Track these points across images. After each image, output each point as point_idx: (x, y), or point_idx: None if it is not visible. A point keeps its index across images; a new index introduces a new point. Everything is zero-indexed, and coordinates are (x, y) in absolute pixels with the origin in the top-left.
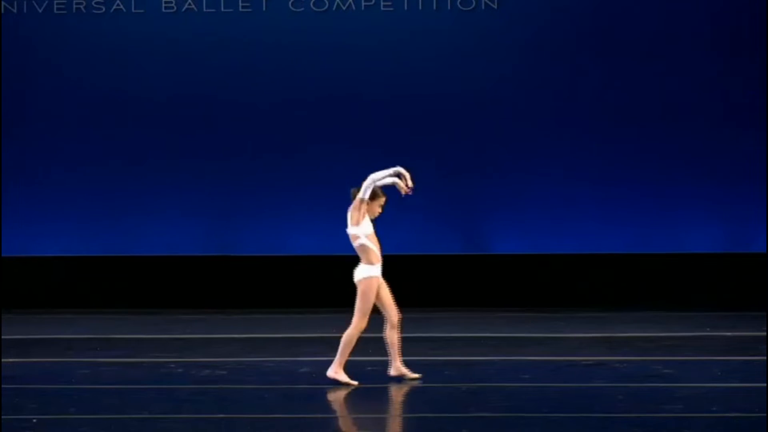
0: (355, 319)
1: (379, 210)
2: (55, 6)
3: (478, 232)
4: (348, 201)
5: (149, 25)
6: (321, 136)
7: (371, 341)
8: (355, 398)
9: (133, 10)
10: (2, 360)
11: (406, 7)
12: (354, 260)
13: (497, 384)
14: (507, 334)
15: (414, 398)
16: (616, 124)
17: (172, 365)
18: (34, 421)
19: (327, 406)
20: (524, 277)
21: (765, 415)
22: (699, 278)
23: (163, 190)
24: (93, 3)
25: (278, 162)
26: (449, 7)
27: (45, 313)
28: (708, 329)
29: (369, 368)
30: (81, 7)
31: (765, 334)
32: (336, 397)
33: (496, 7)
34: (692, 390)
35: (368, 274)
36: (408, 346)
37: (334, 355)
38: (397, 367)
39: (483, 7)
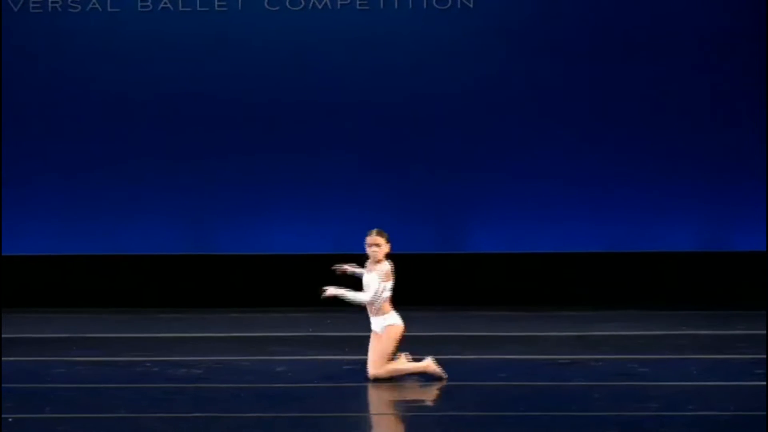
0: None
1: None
2: (31, 5)
3: (453, 230)
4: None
5: (125, 25)
6: (299, 135)
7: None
8: (331, 397)
9: (108, 9)
10: None
11: (382, 6)
12: (334, 260)
13: (473, 383)
14: (483, 332)
15: (389, 397)
16: (596, 123)
17: (149, 364)
18: (10, 420)
19: (303, 406)
20: (501, 275)
21: (741, 413)
22: (675, 277)
23: (141, 189)
24: (69, 2)
25: (257, 161)
26: (425, 6)
27: (21, 312)
28: (684, 328)
29: (345, 367)
30: (57, 6)
31: (752, 332)
32: (311, 396)
33: (472, 6)
34: (668, 389)
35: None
36: None
37: (311, 355)
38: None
39: (459, 6)
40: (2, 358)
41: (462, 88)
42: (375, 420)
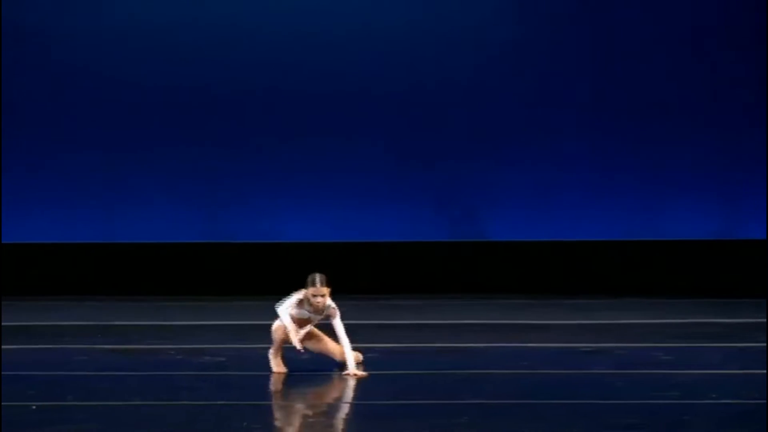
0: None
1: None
2: None
3: (473, 218)
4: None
5: (131, 9)
6: (310, 122)
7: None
8: (350, 385)
9: None
10: (1, 347)
11: None
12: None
13: (495, 371)
14: (504, 321)
15: (414, 385)
16: (613, 109)
17: (171, 352)
18: (33, 407)
19: (325, 393)
20: (521, 263)
21: (764, 401)
22: (699, 265)
23: (160, 177)
24: None
25: (270, 149)
26: None
27: (42, 300)
28: (707, 316)
29: (369, 355)
30: None
31: (764, 320)
32: (334, 383)
33: None
34: (691, 377)
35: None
36: (403, 333)
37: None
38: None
39: None
40: (25, 346)
41: (474, 75)
42: (389, 408)
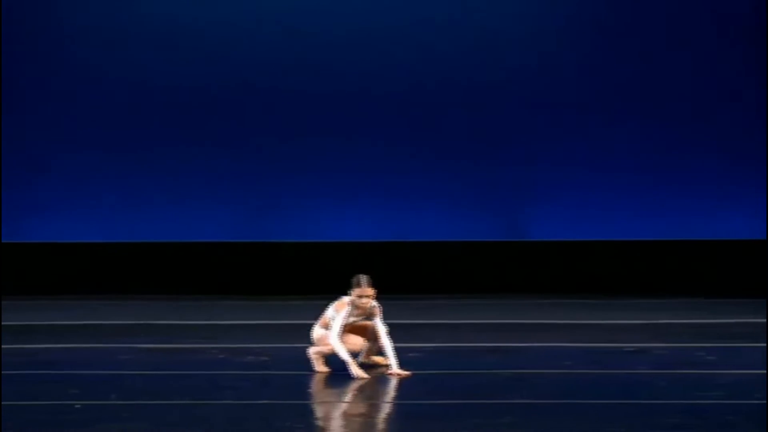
0: None
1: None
2: None
3: (516, 218)
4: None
5: (160, 7)
6: (348, 121)
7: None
8: (396, 384)
9: None
10: (44, 345)
11: None
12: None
13: (539, 370)
14: (548, 320)
15: (456, 384)
16: (657, 109)
17: (214, 351)
18: (77, 406)
19: (367, 392)
20: (563, 263)
21: None
22: (743, 264)
23: (198, 177)
24: None
25: (307, 147)
26: None
27: (87, 299)
28: (750, 315)
29: (411, 354)
30: None
31: None
32: (378, 383)
33: None
34: (735, 377)
35: None
36: (450, 332)
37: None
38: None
39: None
40: (70, 345)
41: (519, 72)
42: (437, 407)
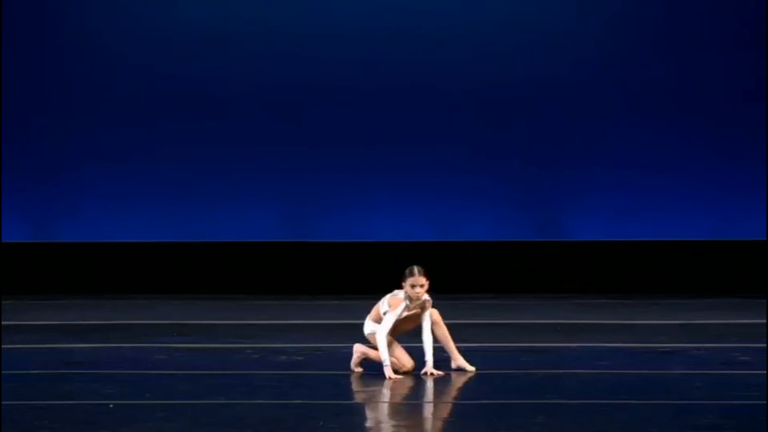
0: None
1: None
2: None
3: (552, 218)
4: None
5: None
6: (392, 122)
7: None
8: (431, 384)
9: None
10: (78, 345)
11: None
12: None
13: (574, 370)
14: (582, 320)
15: (491, 384)
16: (690, 109)
17: (248, 351)
18: (111, 406)
19: (401, 392)
20: (599, 263)
21: None
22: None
23: (238, 176)
24: None
25: (353, 149)
26: None
27: (121, 298)
28: None
29: (446, 354)
30: None
31: None
32: (408, 382)
33: None
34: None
35: None
36: (485, 332)
37: (409, 342)
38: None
39: None
40: (104, 345)
41: (562, 74)
42: (472, 407)
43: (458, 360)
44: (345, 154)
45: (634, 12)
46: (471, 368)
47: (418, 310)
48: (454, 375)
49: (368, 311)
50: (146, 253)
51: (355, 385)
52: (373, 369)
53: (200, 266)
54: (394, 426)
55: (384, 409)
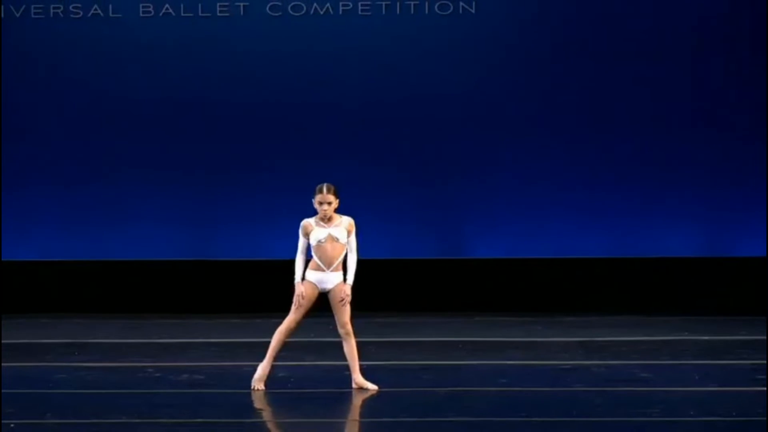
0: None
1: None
2: (32, 10)
3: (454, 236)
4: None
5: (126, 30)
6: (297, 140)
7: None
8: (332, 402)
9: (110, 15)
10: None
11: (383, 12)
12: None
13: (475, 388)
14: (484, 338)
15: (391, 403)
16: (595, 128)
17: (150, 370)
18: (12, 426)
19: (306, 411)
20: (501, 281)
21: (742, 419)
22: (677, 282)
23: (140, 195)
24: (71, 7)
25: (256, 168)
26: (427, 12)
27: (21, 317)
28: (686, 333)
29: (346, 373)
30: (58, 11)
31: (742, 338)
32: (312, 401)
33: (473, 11)
34: (670, 394)
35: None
36: (384, 350)
37: (311, 360)
38: (354, 379)
39: (461, 11)
40: (3, 364)
41: (463, 93)
42: (373, 426)
43: (358, 379)
44: (241, 174)
45: (545, 20)
46: (373, 387)
47: (342, 234)
48: (355, 392)
49: (270, 331)
50: (44, 272)
51: (258, 404)
52: (274, 387)
53: (103, 285)
54: None
55: (286, 428)
